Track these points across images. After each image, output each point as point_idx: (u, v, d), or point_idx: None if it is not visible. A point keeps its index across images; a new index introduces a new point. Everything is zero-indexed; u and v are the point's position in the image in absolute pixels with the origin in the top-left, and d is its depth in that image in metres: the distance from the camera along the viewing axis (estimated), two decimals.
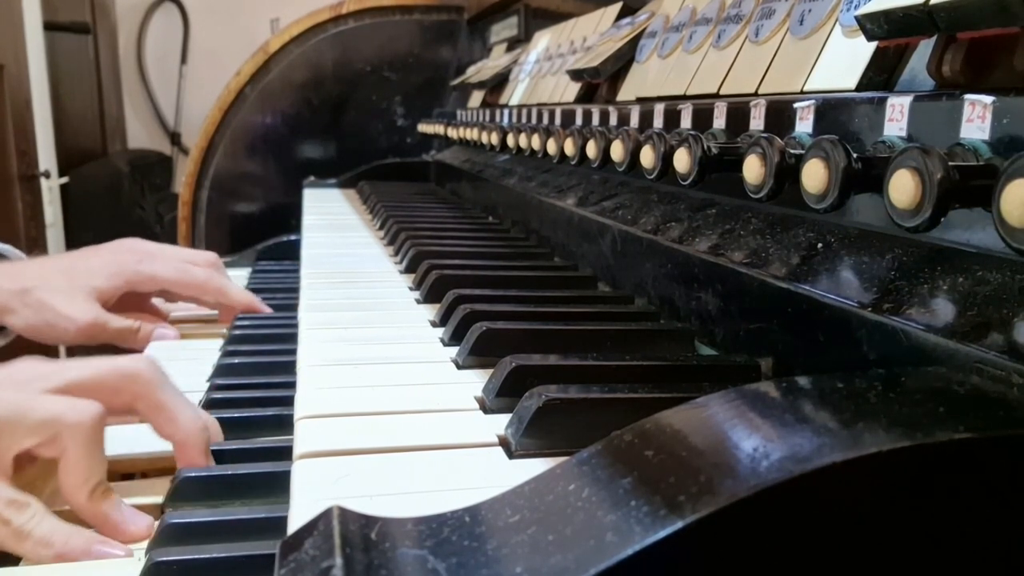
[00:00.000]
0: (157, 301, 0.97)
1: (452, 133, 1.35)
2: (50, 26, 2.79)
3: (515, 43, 1.47)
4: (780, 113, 0.54)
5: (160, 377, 0.55)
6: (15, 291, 0.82)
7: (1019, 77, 0.40)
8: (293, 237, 1.35)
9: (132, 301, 0.91)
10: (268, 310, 0.95)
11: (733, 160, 0.51)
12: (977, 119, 0.38)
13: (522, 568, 0.24)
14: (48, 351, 0.56)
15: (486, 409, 0.47)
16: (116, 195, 3.00)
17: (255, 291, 1.11)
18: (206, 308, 0.96)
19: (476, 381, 0.52)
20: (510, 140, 0.99)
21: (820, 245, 0.49)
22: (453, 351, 0.58)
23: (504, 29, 1.56)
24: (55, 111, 2.81)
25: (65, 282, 0.84)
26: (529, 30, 1.41)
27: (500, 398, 0.47)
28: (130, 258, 0.89)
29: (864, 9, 0.43)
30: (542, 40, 1.22)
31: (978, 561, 0.27)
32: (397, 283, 0.81)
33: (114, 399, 0.53)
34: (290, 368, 0.63)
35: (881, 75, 0.49)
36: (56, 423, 0.49)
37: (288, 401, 0.54)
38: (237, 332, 0.90)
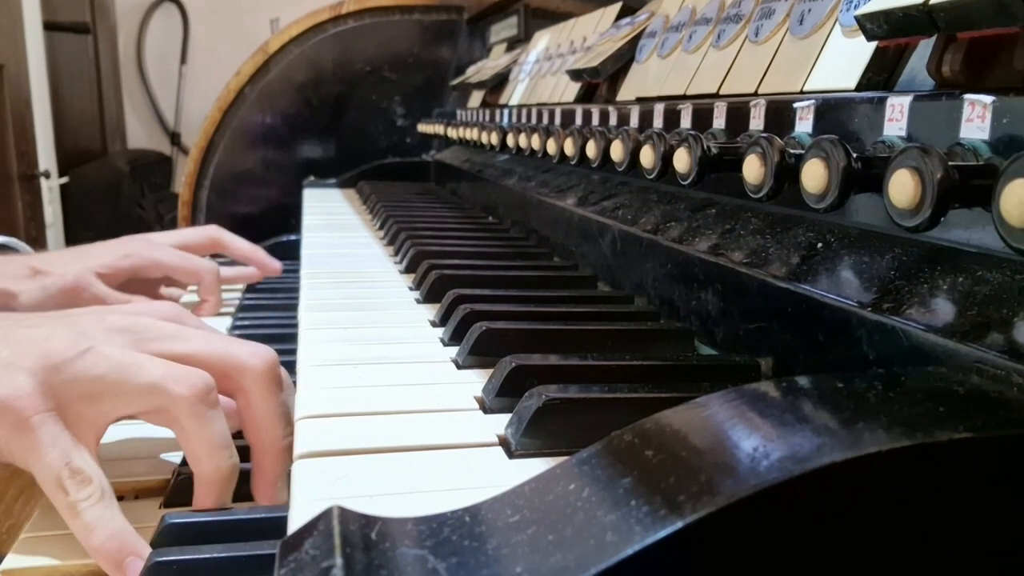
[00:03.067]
0: (166, 292, 1.00)
1: (452, 133, 1.35)
2: (50, 26, 2.79)
3: (515, 43, 1.47)
4: (780, 113, 0.54)
5: (269, 381, 0.53)
6: (25, 275, 0.83)
7: (1019, 77, 0.40)
8: (293, 237, 1.35)
9: (139, 291, 0.93)
10: (274, 265, 1.01)
11: (733, 160, 0.51)
12: (977, 119, 0.38)
13: (522, 568, 0.24)
14: None
15: (486, 409, 0.47)
16: (116, 195, 3.00)
17: (255, 291, 1.12)
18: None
19: (476, 381, 0.52)
20: (510, 140, 0.99)
21: (820, 245, 0.49)
22: (453, 351, 0.58)
23: (504, 29, 1.56)
24: (55, 111, 2.81)
25: (73, 260, 0.87)
26: (529, 30, 1.41)
27: (500, 398, 0.47)
28: (135, 245, 0.93)
29: (864, 9, 0.43)
30: (542, 40, 1.22)
31: (978, 561, 0.27)
32: (397, 283, 0.82)
33: (221, 383, 0.52)
34: (290, 368, 0.63)
35: (881, 75, 0.49)
36: (160, 393, 0.48)
37: None
38: (237, 332, 0.90)
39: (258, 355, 0.54)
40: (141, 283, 0.93)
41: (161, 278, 0.96)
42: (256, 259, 1.04)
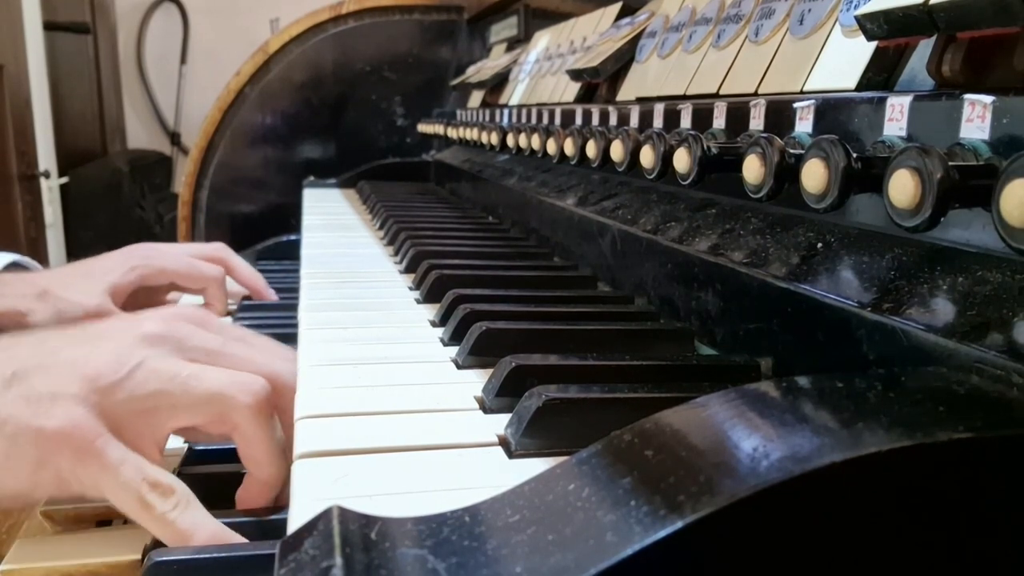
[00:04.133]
0: (172, 297, 1.00)
1: (452, 133, 1.35)
2: (50, 26, 2.79)
3: (515, 43, 1.47)
4: (780, 113, 0.54)
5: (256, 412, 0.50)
6: (37, 294, 0.83)
7: (1019, 77, 0.40)
8: (293, 237, 1.35)
9: (145, 301, 0.93)
10: (271, 295, 1.01)
11: (733, 160, 0.51)
12: (977, 119, 0.38)
13: (522, 568, 0.24)
14: None
15: (486, 409, 0.47)
16: (116, 195, 3.00)
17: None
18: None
19: (476, 381, 0.52)
20: (510, 140, 0.99)
21: (820, 245, 0.49)
22: (453, 351, 0.58)
23: (504, 29, 1.56)
24: (55, 111, 2.81)
25: (82, 280, 0.87)
26: (529, 30, 1.41)
27: (500, 398, 0.47)
28: (141, 254, 0.93)
29: (864, 9, 0.43)
30: (542, 40, 1.22)
31: (978, 561, 0.27)
32: (397, 283, 0.82)
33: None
34: None
35: (881, 75, 0.49)
36: (221, 400, 0.47)
37: None
38: None
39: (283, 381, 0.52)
40: (147, 291, 0.93)
41: (167, 285, 0.96)
42: (255, 288, 1.03)
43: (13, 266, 0.95)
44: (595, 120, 0.84)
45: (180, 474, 0.55)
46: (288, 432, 0.51)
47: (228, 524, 0.47)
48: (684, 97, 0.70)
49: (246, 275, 1.03)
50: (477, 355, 0.55)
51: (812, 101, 0.51)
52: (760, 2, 0.64)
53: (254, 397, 0.48)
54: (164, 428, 0.48)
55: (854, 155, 0.41)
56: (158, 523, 0.45)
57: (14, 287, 0.82)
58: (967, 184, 0.35)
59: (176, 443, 0.60)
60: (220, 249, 1.01)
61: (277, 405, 0.51)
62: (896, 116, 0.44)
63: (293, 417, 0.47)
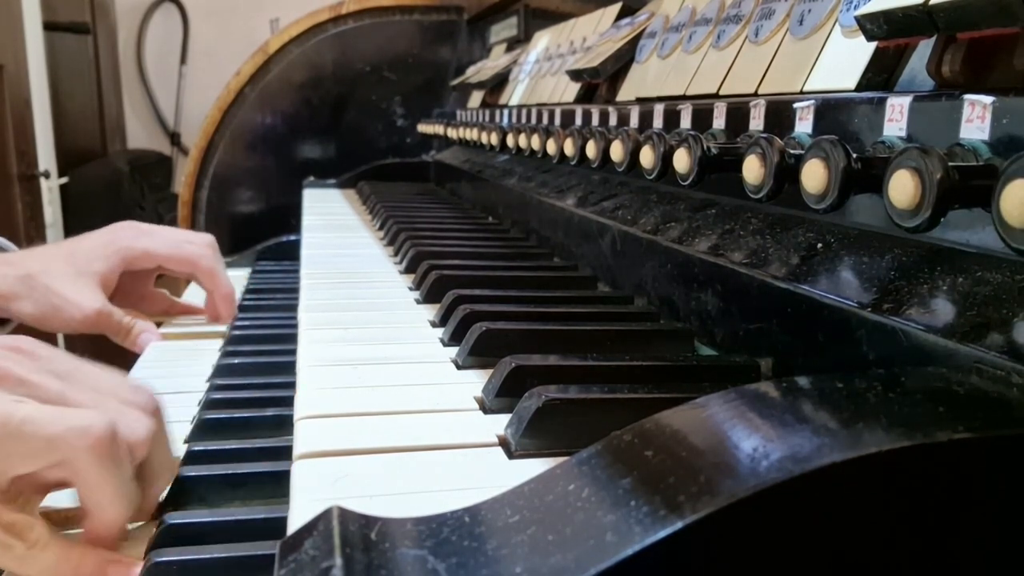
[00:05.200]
0: (163, 291, 0.99)
1: (452, 133, 1.35)
2: (50, 26, 2.79)
3: (515, 43, 1.47)
4: (780, 113, 0.54)
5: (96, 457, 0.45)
6: (20, 276, 0.82)
7: (1019, 77, 0.40)
8: (293, 237, 1.35)
9: (134, 285, 0.92)
10: (231, 315, 0.95)
11: (733, 160, 0.51)
12: (977, 119, 0.38)
13: (522, 568, 0.24)
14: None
15: (486, 409, 0.47)
16: (116, 195, 3.00)
17: (255, 291, 1.12)
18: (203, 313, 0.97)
19: (476, 381, 0.52)
20: (510, 140, 0.99)
21: (820, 245, 0.49)
22: (453, 351, 0.58)
23: (504, 29, 1.56)
24: (55, 111, 2.81)
25: (68, 267, 0.85)
26: (529, 30, 1.41)
27: (500, 398, 0.47)
28: (125, 235, 0.90)
29: (864, 9, 0.43)
30: (542, 40, 1.22)
31: (978, 561, 0.27)
32: (397, 283, 0.81)
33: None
34: (290, 368, 0.64)
35: (881, 75, 0.49)
36: (60, 444, 0.43)
37: (288, 401, 0.54)
38: (237, 332, 0.90)
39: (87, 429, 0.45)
40: (132, 276, 0.91)
41: (153, 269, 0.93)
42: (225, 305, 0.94)
43: None
44: (595, 120, 0.84)
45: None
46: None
47: (227, 521, 0.47)
48: (684, 97, 0.70)
49: (222, 288, 0.94)
50: (477, 355, 0.55)
51: (812, 101, 0.51)
52: (760, 2, 0.63)
53: (95, 440, 0.44)
54: (3, 477, 0.44)
55: (854, 155, 0.41)
56: (20, 563, 0.44)
57: None
58: (967, 184, 0.35)
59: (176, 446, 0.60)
60: (209, 244, 0.95)
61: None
62: (896, 116, 0.44)
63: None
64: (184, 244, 0.92)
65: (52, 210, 2.74)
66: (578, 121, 0.88)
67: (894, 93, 0.46)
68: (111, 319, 0.85)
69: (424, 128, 1.61)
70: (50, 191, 2.71)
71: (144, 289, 0.96)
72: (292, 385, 0.55)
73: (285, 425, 0.59)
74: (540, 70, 1.15)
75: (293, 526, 0.33)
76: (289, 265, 1.25)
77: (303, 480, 0.38)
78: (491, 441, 0.43)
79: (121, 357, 0.83)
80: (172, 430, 0.54)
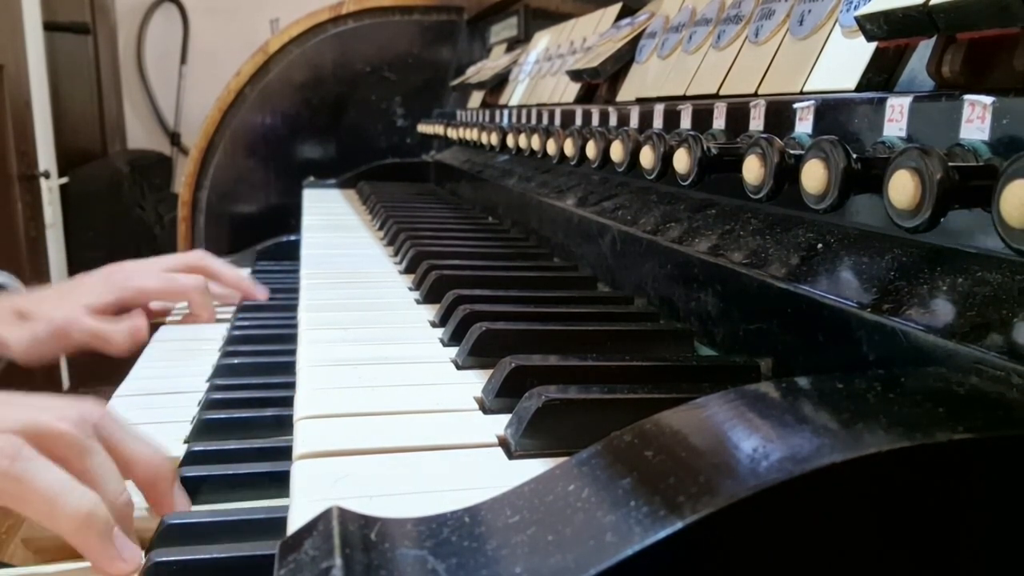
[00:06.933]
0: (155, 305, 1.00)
1: (452, 133, 1.35)
2: (50, 26, 2.79)
3: (515, 43, 1.47)
4: (780, 113, 0.54)
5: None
6: (11, 321, 0.84)
7: (1019, 77, 0.40)
8: (293, 237, 1.35)
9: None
10: (261, 294, 1.02)
11: (733, 160, 0.51)
12: (977, 119, 0.38)
13: (522, 568, 0.24)
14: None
15: (486, 409, 0.47)
16: (116, 195, 3.00)
17: None
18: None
19: (476, 381, 0.52)
20: (510, 140, 0.99)
21: (820, 245, 0.49)
22: (453, 351, 0.58)
23: (504, 29, 1.56)
24: (55, 111, 2.81)
25: (59, 300, 0.88)
26: (529, 30, 1.41)
27: (500, 398, 0.47)
28: (118, 277, 0.93)
29: (864, 10, 0.43)
30: (542, 40, 1.22)
31: (978, 561, 0.27)
32: (397, 283, 0.81)
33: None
34: (290, 368, 0.63)
35: (881, 75, 0.49)
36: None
37: (288, 402, 0.54)
38: (237, 332, 0.90)
39: (65, 418, 0.47)
40: (129, 307, 0.93)
41: (146, 303, 0.96)
42: (241, 288, 1.02)
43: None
44: (595, 121, 0.84)
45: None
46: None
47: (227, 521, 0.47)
48: (684, 98, 0.70)
49: (230, 279, 1.02)
50: (477, 355, 0.55)
51: (812, 102, 0.51)
52: (760, 3, 0.64)
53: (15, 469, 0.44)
54: None
55: (854, 156, 0.41)
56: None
57: None
58: (967, 185, 0.35)
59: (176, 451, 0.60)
60: (200, 258, 1.00)
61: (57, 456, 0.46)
62: (896, 117, 0.44)
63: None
64: (175, 278, 0.96)
65: (52, 210, 2.74)
66: (578, 121, 0.88)
67: (894, 93, 0.46)
68: (79, 323, 0.86)
69: (424, 128, 1.61)
70: (50, 191, 2.71)
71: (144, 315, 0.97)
72: (292, 385, 0.55)
73: (285, 425, 0.59)
74: (540, 70, 1.15)
75: (293, 526, 0.33)
76: (289, 265, 1.25)
77: (303, 480, 0.38)
78: (491, 441, 0.43)
79: (122, 361, 0.83)
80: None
